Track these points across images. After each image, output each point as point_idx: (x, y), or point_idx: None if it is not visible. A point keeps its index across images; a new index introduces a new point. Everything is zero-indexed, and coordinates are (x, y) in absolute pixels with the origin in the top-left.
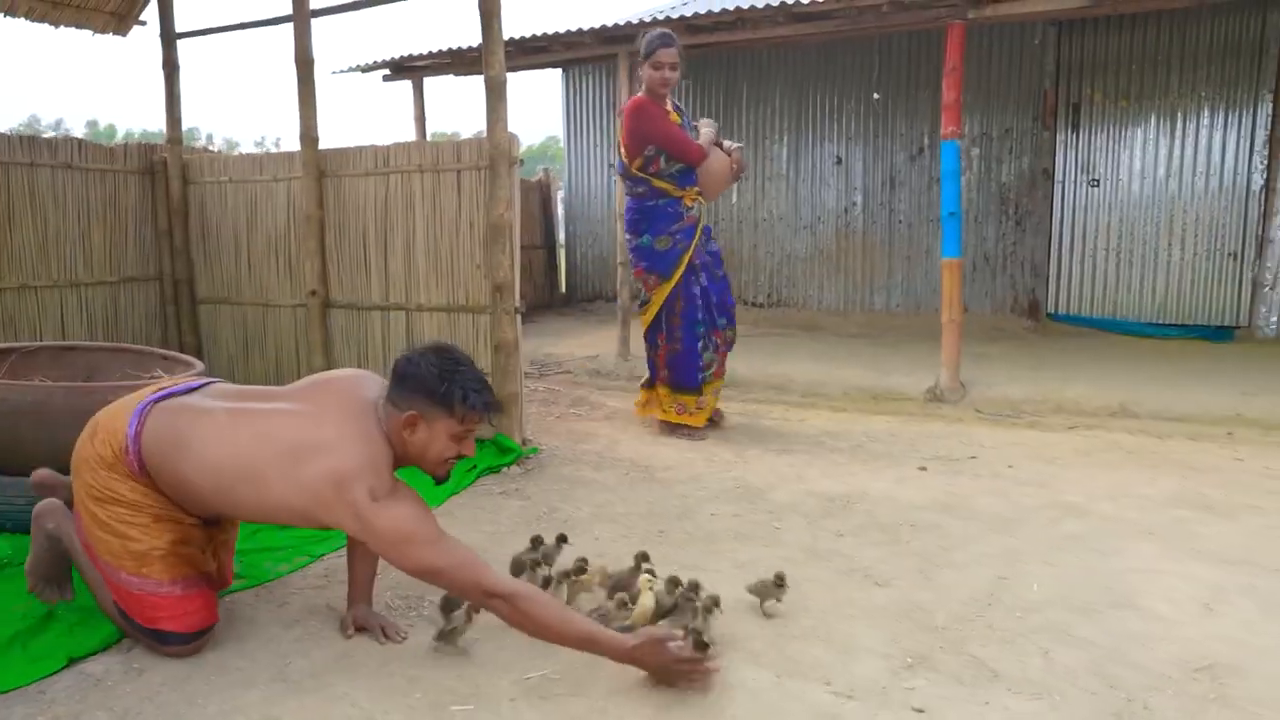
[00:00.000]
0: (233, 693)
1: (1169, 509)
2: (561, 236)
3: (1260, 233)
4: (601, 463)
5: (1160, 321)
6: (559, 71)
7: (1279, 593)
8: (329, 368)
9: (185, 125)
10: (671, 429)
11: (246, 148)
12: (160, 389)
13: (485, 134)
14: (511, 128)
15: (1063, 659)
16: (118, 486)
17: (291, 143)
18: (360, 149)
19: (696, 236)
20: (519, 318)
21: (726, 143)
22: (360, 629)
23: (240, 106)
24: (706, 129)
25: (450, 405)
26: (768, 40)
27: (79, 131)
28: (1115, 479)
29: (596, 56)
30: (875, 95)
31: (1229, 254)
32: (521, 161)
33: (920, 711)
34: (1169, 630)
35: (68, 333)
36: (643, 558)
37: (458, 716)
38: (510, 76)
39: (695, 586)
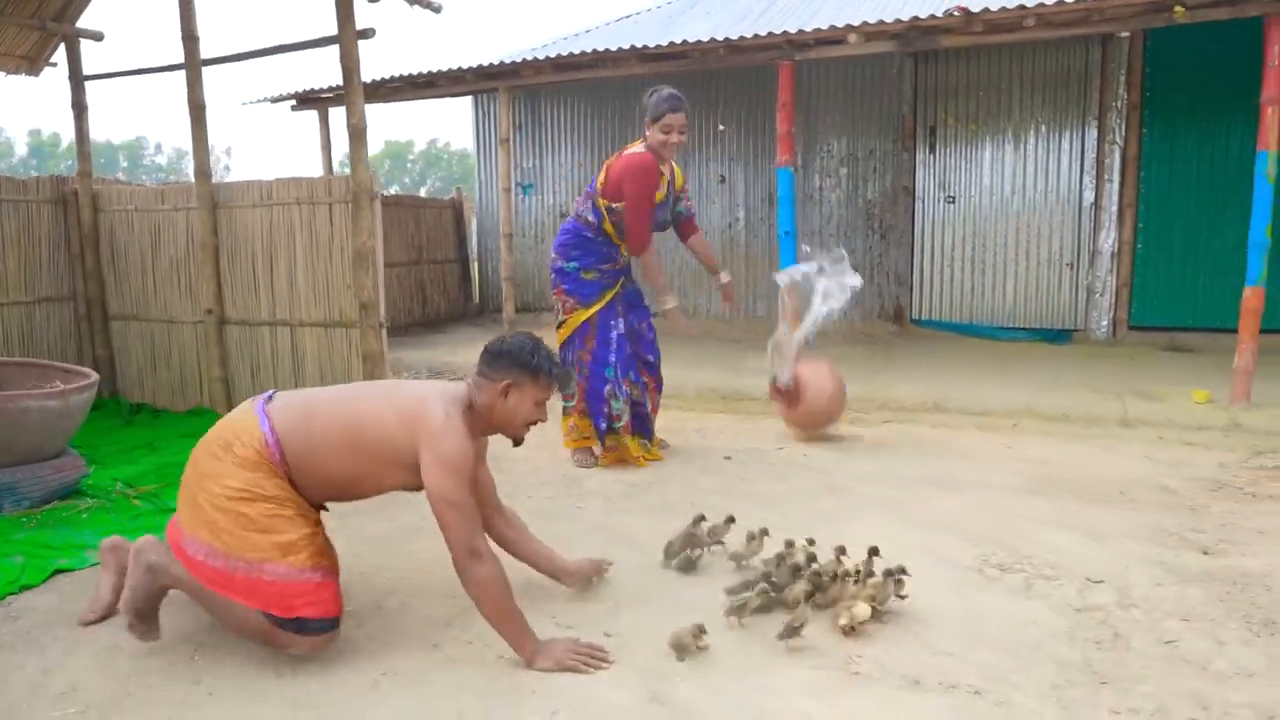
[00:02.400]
0: (94, 632)
1: (914, 487)
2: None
3: (1092, 245)
4: None
5: (1010, 325)
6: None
7: (942, 548)
8: (227, 379)
9: (134, 134)
10: (573, 452)
11: None
12: (254, 400)
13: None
14: (460, 141)
15: None
16: (264, 484)
17: (240, 152)
18: (248, 183)
19: (620, 281)
20: (384, 331)
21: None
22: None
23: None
24: (671, 305)
25: (538, 374)
26: (628, 77)
27: (21, 139)
28: (889, 464)
29: (480, 89)
30: (720, 127)
31: (1066, 264)
32: (380, 195)
33: (608, 636)
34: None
35: None
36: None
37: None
38: None
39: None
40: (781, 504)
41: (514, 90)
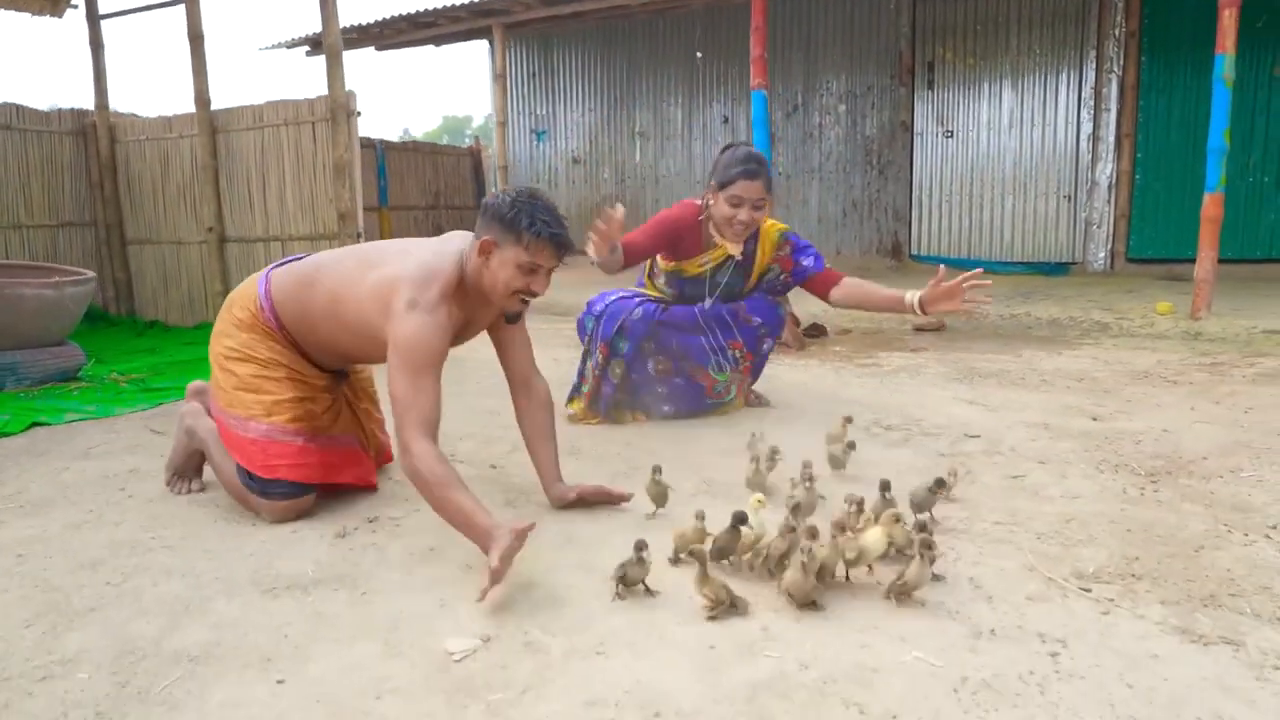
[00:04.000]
0: (49, 460)
1: (845, 377)
2: None
3: (1090, 176)
4: None
5: (1008, 260)
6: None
7: (841, 413)
8: (228, 294)
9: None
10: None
11: None
12: (271, 263)
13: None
14: (470, 105)
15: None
16: (256, 346)
17: None
18: (242, 108)
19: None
20: (361, 240)
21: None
22: (567, 508)
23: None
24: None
25: (518, 231)
26: (606, 8)
27: None
28: (832, 364)
29: (477, 30)
30: (698, 54)
31: (1064, 196)
32: (358, 113)
33: (496, 466)
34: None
35: None
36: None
37: None
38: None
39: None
40: None
41: (512, 29)
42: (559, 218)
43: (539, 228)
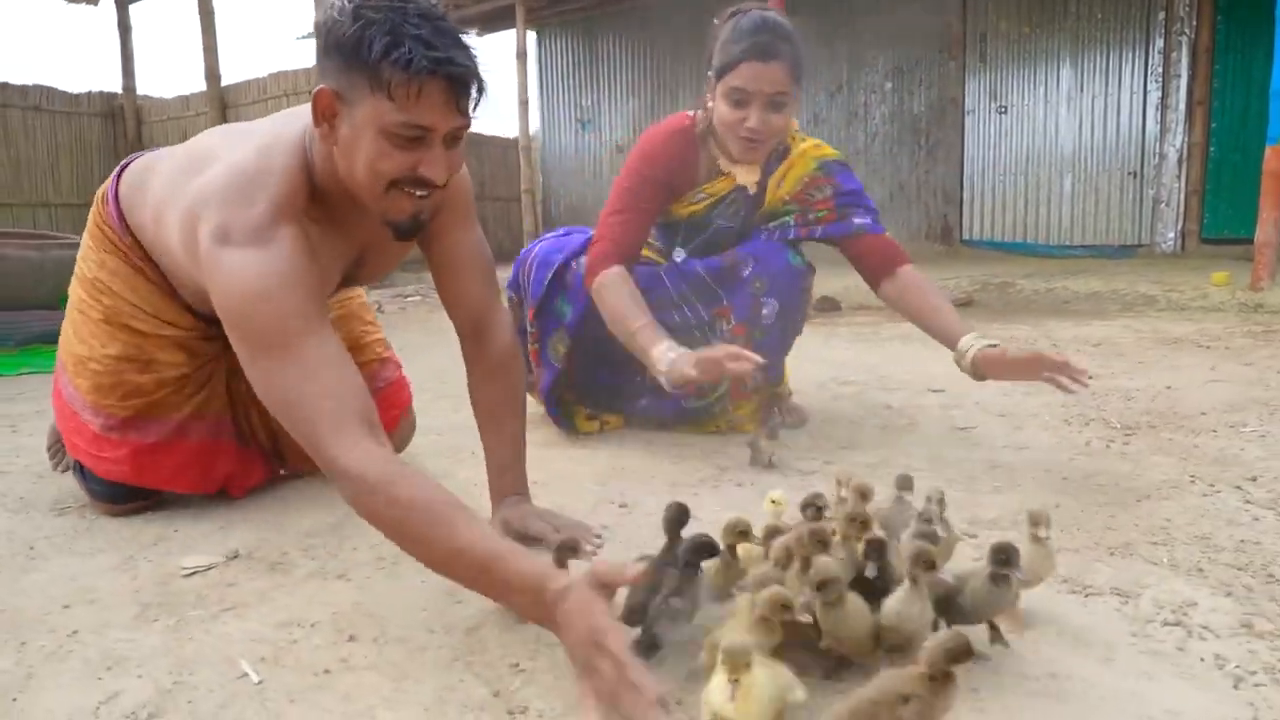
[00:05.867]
0: None
1: (833, 341)
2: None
3: (1158, 150)
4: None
5: (1067, 243)
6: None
7: (802, 371)
8: None
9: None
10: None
11: None
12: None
13: None
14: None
15: None
16: (89, 259)
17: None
18: (247, 82)
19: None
20: None
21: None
22: (522, 537)
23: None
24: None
25: (372, 65)
26: None
27: None
28: (815, 331)
29: (508, 10)
30: (715, 21)
31: (1130, 173)
32: None
33: None
34: None
35: None
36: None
37: None
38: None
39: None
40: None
41: (552, 19)
42: (450, 29)
43: (409, 51)
